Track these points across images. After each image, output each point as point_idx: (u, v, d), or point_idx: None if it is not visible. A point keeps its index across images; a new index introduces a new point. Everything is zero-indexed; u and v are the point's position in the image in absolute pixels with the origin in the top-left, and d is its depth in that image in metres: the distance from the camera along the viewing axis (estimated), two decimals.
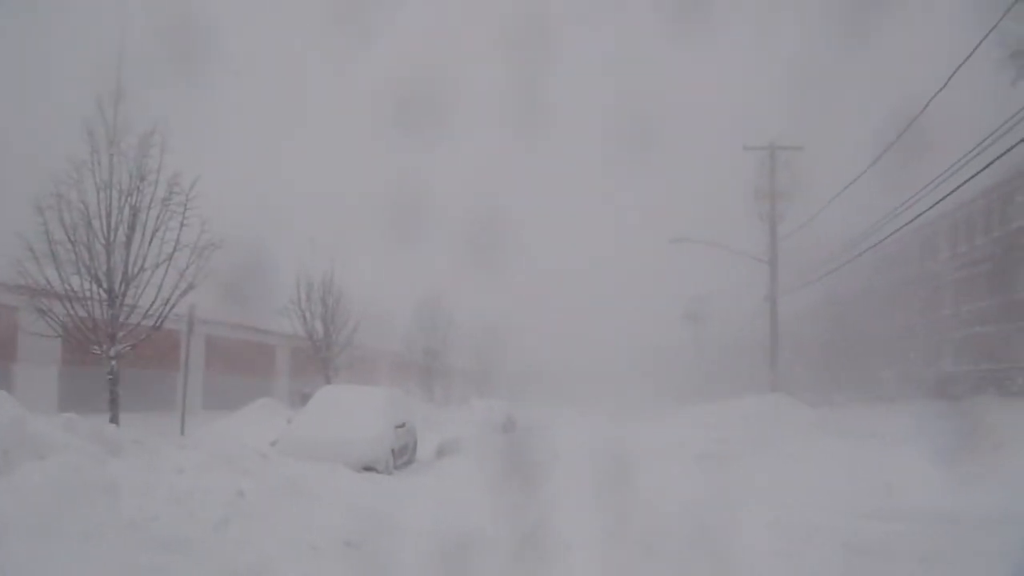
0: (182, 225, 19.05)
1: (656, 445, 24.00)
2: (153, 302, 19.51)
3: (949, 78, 18.23)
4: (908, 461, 16.77)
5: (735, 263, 43.12)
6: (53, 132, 21.54)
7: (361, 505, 14.21)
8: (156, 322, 19.75)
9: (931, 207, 23.63)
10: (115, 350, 19.04)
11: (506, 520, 12.64)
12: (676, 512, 12.60)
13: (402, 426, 22.85)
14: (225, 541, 10.66)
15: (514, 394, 60.68)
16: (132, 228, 18.80)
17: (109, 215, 18.64)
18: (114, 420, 18.55)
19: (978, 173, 18.34)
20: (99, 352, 19.02)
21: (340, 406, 21.61)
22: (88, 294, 18.67)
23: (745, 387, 47.09)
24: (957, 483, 14.70)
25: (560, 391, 74.78)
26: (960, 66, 17.49)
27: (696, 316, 76.39)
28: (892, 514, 13.49)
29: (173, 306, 19.76)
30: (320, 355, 39.36)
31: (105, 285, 18.66)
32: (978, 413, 27.53)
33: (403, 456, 22.76)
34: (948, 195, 20.89)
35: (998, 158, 17.14)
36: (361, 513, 13.40)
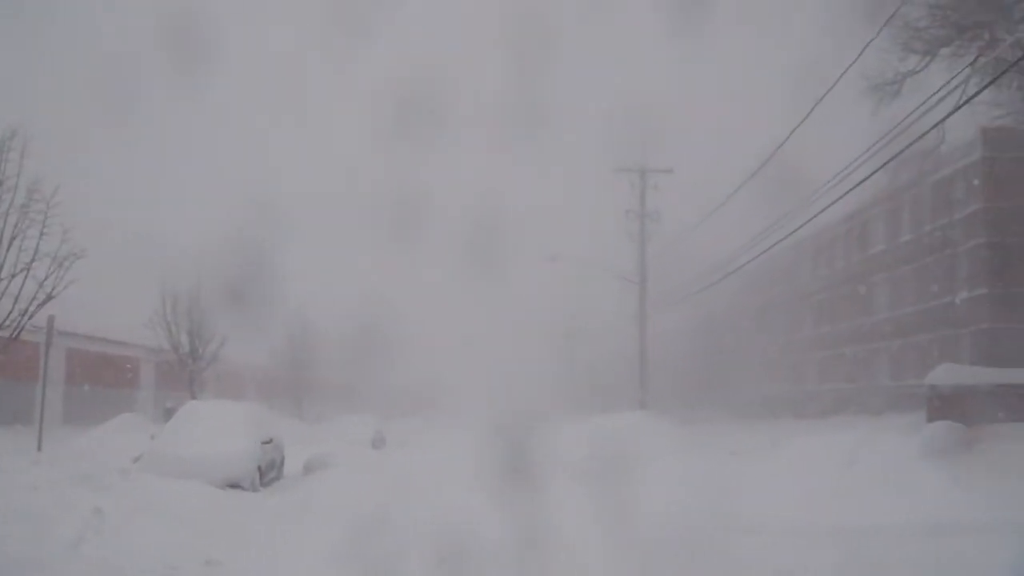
0: (42, 234, 18.48)
1: (523, 460, 24.11)
2: (10, 312, 18.87)
3: (811, 110, 18.93)
4: (765, 476, 17.24)
5: (609, 282, 43.79)
6: None
7: (224, 523, 13.96)
8: (13, 333, 19.10)
9: (790, 233, 24.46)
10: None
11: (370, 538, 12.58)
12: (550, 532, 12.69)
13: (269, 442, 22.53)
14: (79, 561, 10.35)
15: (388, 409, 60.31)
16: None
17: None
18: None
19: (836, 201, 19.07)
20: None
21: (205, 422, 21.21)
22: None
23: (617, 403, 47.70)
24: (809, 497, 15.15)
25: (436, 406, 74.57)
26: (821, 98, 18.17)
27: (571, 333, 77.21)
28: (753, 528, 13.81)
29: (31, 316, 19.14)
30: (186, 369, 38.57)
31: None
32: (837, 431, 28.45)
33: (270, 472, 22.44)
34: (807, 221, 21.65)
35: (855, 187, 17.84)
36: (224, 531, 13.18)
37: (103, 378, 43.17)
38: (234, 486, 19.14)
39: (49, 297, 18.84)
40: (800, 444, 22.69)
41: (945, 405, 28.68)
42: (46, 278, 18.61)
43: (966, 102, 17.38)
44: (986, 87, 20.03)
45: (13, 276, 18.49)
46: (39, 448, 23.87)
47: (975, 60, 24.01)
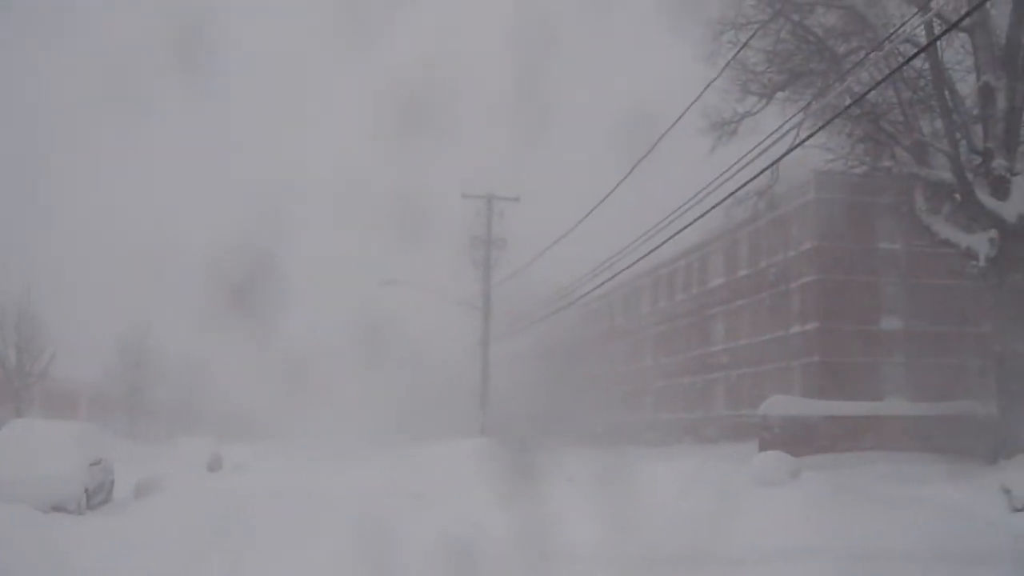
0: None
1: (361, 486, 23.95)
2: None
3: (653, 145, 19.48)
4: (598, 503, 17.51)
5: (455, 308, 43.79)
6: None
7: (45, 548, 13.46)
8: None
9: (626, 268, 25.00)
10: None
11: (197, 564, 12.36)
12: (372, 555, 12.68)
13: (98, 463, 21.85)
14: None
15: (226, 432, 59.06)
16: None
17: None
18: None
19: (673, 236, 19.63)
20: None
21: (29, 441, 20.43)
22: None
23: (460, 430, 47.77)
24: (636, 525, 15.46)
25: (276, 430, 73.29)
26: (664, 134, 18.73)
27: (415, 359, 76.76)
28: (573, 556, 13.98)
29: None
30: (12, 385, 37.03)
31: None
32: (673, 459, 29.14)
33: (98, 495, 21.74)
34: (645, 256, 22.23)
35: (691, 224, 18.42)
36: (44, 557, 12.71)
37: None
38: (59, 509, 18.49)
39: None
40: (636, 472, 23.13)
41: (776, 435, 29.74)
42: None
43: (798, 145, 18.15)
44: (816, 132, 20.91)
45: None
46: None
47: (807, 105, 25.07)
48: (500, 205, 40.84)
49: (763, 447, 28.90)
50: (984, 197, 24.68)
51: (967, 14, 22.23)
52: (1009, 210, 24.38)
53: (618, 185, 23.38)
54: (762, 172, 17.33)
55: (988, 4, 25.33)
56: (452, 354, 55.30)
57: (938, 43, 24.56)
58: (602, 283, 28.94)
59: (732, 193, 17.70)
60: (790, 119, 18.75)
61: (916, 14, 22.73)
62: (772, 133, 16.16)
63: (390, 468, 27.55)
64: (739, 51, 22.99)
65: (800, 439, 28.89)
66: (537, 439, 51.62)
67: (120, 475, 24.45)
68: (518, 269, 38.82)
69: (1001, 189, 24.80)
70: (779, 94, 27.59)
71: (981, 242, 24.99)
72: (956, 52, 27.60)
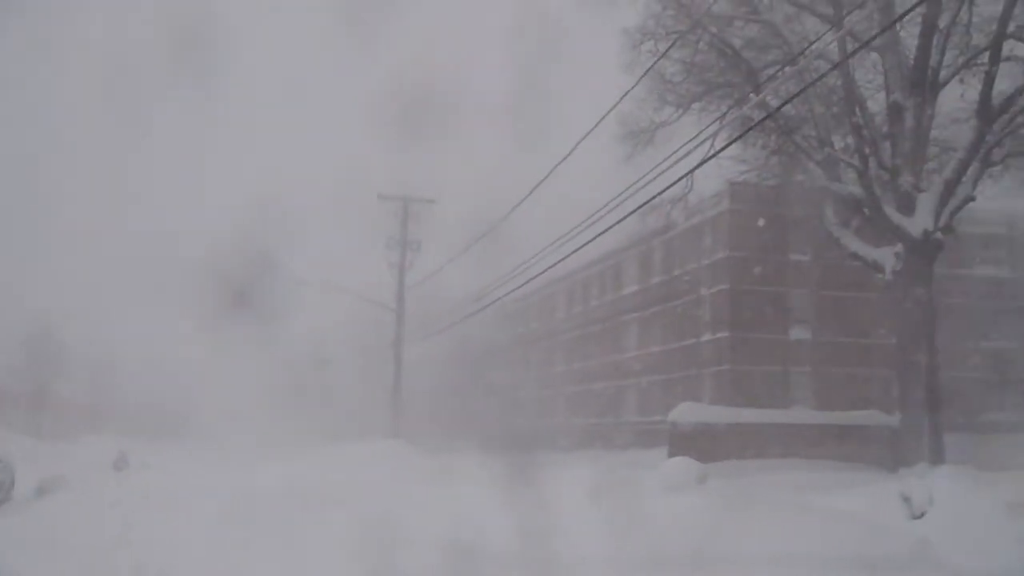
0: None
1: (268, 485, 23.66)
2: None
3: (570, 151, 19.55)
4: (504, 507, 17.55)
5: (371, 310, 43.53)
6: None
7: None
8: None
9: (539, 273, 25.07)
10: None
11: (100, 563, 12.14)
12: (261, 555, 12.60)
13: None
14: None
15: (134, 431, 57.97)
16: None
17: None
18: None
19: (588, 243, 19.75)
20: None
21: None
22: None
23: (373, 432, 47.47)
24: (540, 529, 15.53)
25: (186, 429, 72.12)
26: (580, 141, 18.81)
27: (330, 360, 76.14)
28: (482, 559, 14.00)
29: None
30: None
31: None
32: (584, 464, 29.32)
33: None
34: (558, 262, 22.34)
35: (607, 230, 18.56)
36: None
37: None
38: None
39: None
40: (545, 476, 23.21)
41: (685, 441, 30.11)
42: None
43: (712, 156, 18.39)
44: (730, 144, 21.28)
45: None
46: None
47: (721, 116, 25.48)
48: (417, 207, 40.78)
49: (672, 453, 29.24)
50: (891, 212, 25.31)
51: (877, 34, 22.81)
52: (914, 225, 25.02)
53: (533, 190, 23.36)
54: (676, 182, 17.55)
55: (898, 27, 26.05)
56: (369, 355, 55.01)
57: (850, 61, 25.13)
58: (515, 288, 28.99)
59: (647, 202, 17.89)
60: (705, 129, 19.02)
61: (829, 30, 23.28)
62: (686, 143, 16.35)
63: (300, 468, 27.24)
64: (656, 61, 23.28)
65: (708, 446, 29.29)
66: (450, 442, 51.62)
67: (22, 474, 23.85)
68: (431, 272, 38.80)
69: (907, 205, 25.46)
70: (695, 105, 27.96)
71: (887, 256, 25.62)
72: (868, 71, 28.32)
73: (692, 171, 18.06)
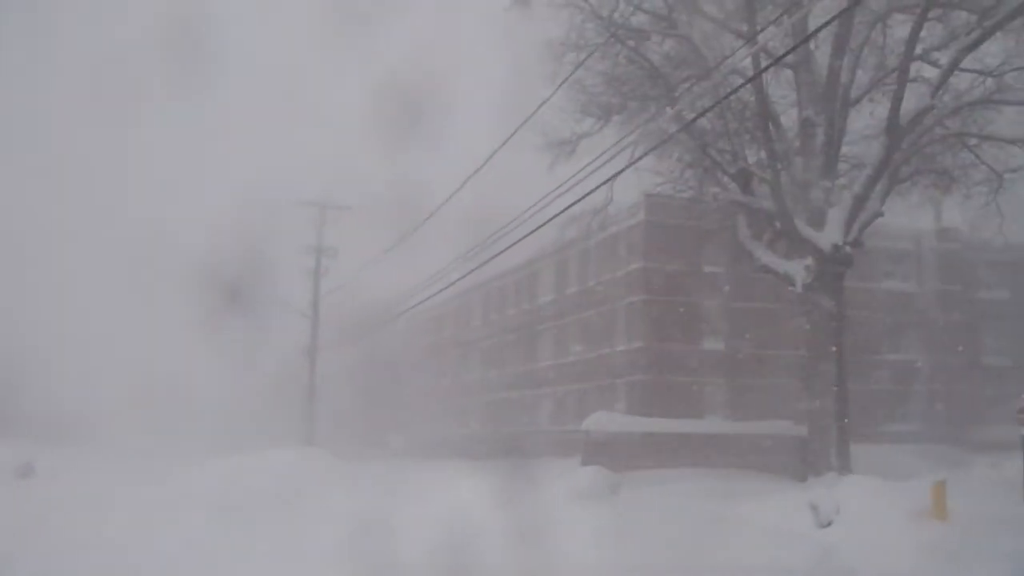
0: None
1: (174, 495, 23.27)
2: None
3: (486, 161, 19.55)
4: (417, 515, 17.51)
5: (288, 316, 42.99)
6: None
7: None
8: None
9: (452, 283, 25.10)
10: None
11: None
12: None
13: None
14: None
15: (42, 436, 56.42)
16: None
17: None
18: None
19: (504, 251, 19.80)
20: None
21: None
22: None
23: (288, 438, 46.82)
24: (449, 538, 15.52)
25: (96, 434, 70.46)
26: (497, 149, 18.83)
27: (246, 366, 74.98)
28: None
29: None
30: None
31: None
32: (498, 473, 29.27)
33: None
34: (473, 271, 22.39)
35: (524, 237, 18.61)
36: None
37: None
38: None
39: None
40: (457, 485, 23.17)
41: (599, 450, 30.32)
42: None
43: (627, 167, 18.58)
44: (644, 155, 21.44)
45: None
46: None
47: (635, 128, 25.73)
48: (334, 214, 40.54)
49: (586, 462, 29.42)
50: (802, 226, 25.80)
51: (788, 51, 23.32)
52: (824, 239, 25.54)
53: (449, 199, 23.27)
54: (591, 192, 17.63)
55: (812, 45, 26.64)
56: (285, 362, 54.25)
57: (764, 77, 25.62)
58: (432, 295, 28.91)
59: (564, 210, 17.96)
60: (620, 140, 19.13)
61: (743, 46, 23.68)
62: (601, 155, 16.49)
63: (208, 476, 26.78)
64: (573, 72, 23.39)
65: (622, 455, 29.54)
66: (366, 449, 51.31)
67: None
68: (347, 279, 38.57)
69: (818, 219, 25.99)
70: (616, 117, 28.17)
71: (798, 269, 26.12)
72: (782, 87, 28.86)
73: (607, 181, 18.22)
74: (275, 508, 20.30)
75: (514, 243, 19.37)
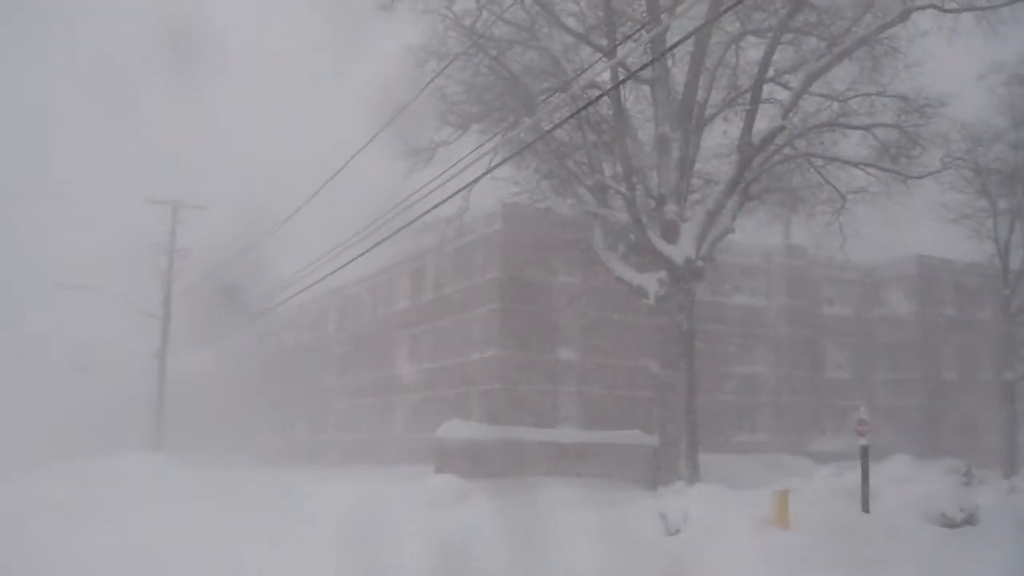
0: None
1: (15, 498, 22.31)
2: None
3: (342, 167, 19.27)
4: (269, 525, 17.21)
5: (136, 317, 41.64)
6: None
7: None
8: None
9: (307, 287, 24.72)
10: None
11: None
12: None
13: None
14: None
15: None
16: None
17: None
18: None
19: (358, 257, 19.59)
20: None
21: None
22: None
23: (137, 444, 45.34)
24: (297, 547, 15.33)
25: None
26: (353, 157, 18.56)
27: (84, 367, 72.49)
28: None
29: None
30: None
31: None
32: (352, 480, 28.98)
33: None
34: (327, 276, 22.10)
35: (377, 244, 18.46)
36: None
37: None
38: None
39: None
40: (308, 492, 22.88)
41: (452, 458, 30.27)
42: None
43: (482, 176, 18.52)
44: (500, 164, 21.57)
45: None
46: None
47: (493, 137, 25.83)
48: (187, 213, 39.56)
49: (439, 469, 29.37)
50: (656, 240, 26.25)
51: (644, 66, 23.79)
52: (677, 253, 26.04)
53: (305, 203, 22.90)
54: (445, 200, 17.56)
55: (670, 63, 27.21)
56: (134, 365, 52.58)
57: (622, 92, 26.01)
58: (286, 299, 28.43)
59: (418, 217, 17.86)
60: (478, 148, 19.18)
61: (600, 59, 24.01)
62: (458, 162, 16.44)
63: (42, 483, 25.74)
64: (432, 80, 23.30)
65: (476, 463, 29.56)
66: (218, 456, 50.18)
67: None
68: (197, 280, 37.61)
69: (672, 233, 26.48)
70: (475, 126, 28.20)
71: (651, 281, 26.56)
72: (639, 102, 29.36)
73: (463, 189, 18.23)
74: (94, 516, 19.47)
75: (367, 250, 19.19)
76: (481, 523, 18.92)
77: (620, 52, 23.62)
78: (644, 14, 26.24)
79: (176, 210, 39.45)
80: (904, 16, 25.02)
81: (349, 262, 20.51)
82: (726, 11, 23.85)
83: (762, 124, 26.69)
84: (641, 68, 23.49)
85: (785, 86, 27.87)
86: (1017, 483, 24.89)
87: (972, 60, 28.19)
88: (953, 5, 25.07)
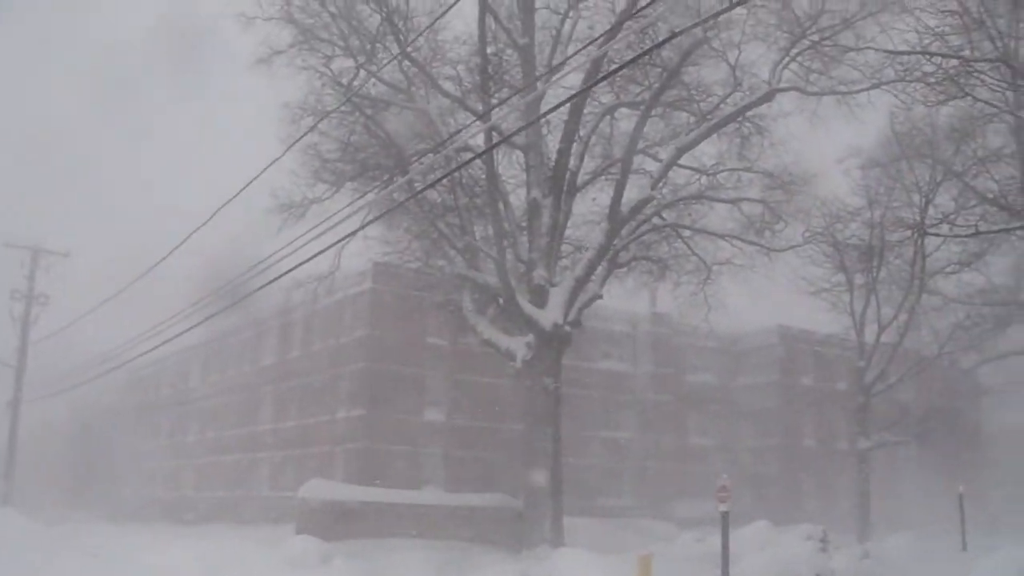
0: None
1: None
2: None
3: (206, 221, 18.94)
4: None
5: None
6: None
7: None
8: None
9: (164, 342, 24.20)
10: None
11: None
12: None
13: None
14: None
15: None
16: None
17: None
18: None
19: (217, 313, 19.31)
20: None
21: None
22: None
23: None
24: None
25: None
26: (218, 210, 18.24)
27: None
28: None
29: None
30: None
31: None
32: (208, 539, 28.26)
33: None
34: (186, 331, 21.68)
35: (240, 300, 18.25)
36: None
37: None
38: None
39: None
40: (159, 552, 22.18)
41: (314, 518, 29.69)
42: None
43: (353, 233, 18.55)
44: (373, 221, 21.52)
45: None
46: None
47: (363, 195, 25.82)
48: (48, 259, 38.35)
49: (300, 530, 28.78)
50: (524, 304, 26.42)
51: (518, 131, 24.12)
52: (545, 318, 26.24)
53: (165, 258, 22.34)
54: (314, 256, 17.44)
55: (544, 130, 27.69)
56: None
57: (495, 156, 26.25)
58: (146, 351, 27.64)
59: (285, 273, 17.68)
60: (348, 205, 19.13)
61: (472, 123, 24.29)
62: (329, 218, 16.40)
63: None
64: (305, 135, 23.23)
65: (339, 524, 29.04)
66: (69, 512, 48.33)
67: None
68: (57, 329, 36.35)
69: (540, 298, 26.70)
70: (349, 184, 28.08)
71: (519, 345, 26.68)
72: (512, 167, 29.71)
73: (333, 246, 18.20)
74: None
75: (231, 303, 18.91)
76: None
77: (494, 116, 23.88)
78: (520, 81, 26.65)
79: (36, 255, 38.27)
80: (769, 96, 26.10)
81: (208, 317, 20.16)
82: (599, 81, 24.34)
83: (632, 194, 27.25)
84: (514, 133, 23.81)
85: (655, 158, 28.61)
86: (871, 548, 25.73)
87: (832, 142, 29.46)
88: (815, 89, 26.28)
